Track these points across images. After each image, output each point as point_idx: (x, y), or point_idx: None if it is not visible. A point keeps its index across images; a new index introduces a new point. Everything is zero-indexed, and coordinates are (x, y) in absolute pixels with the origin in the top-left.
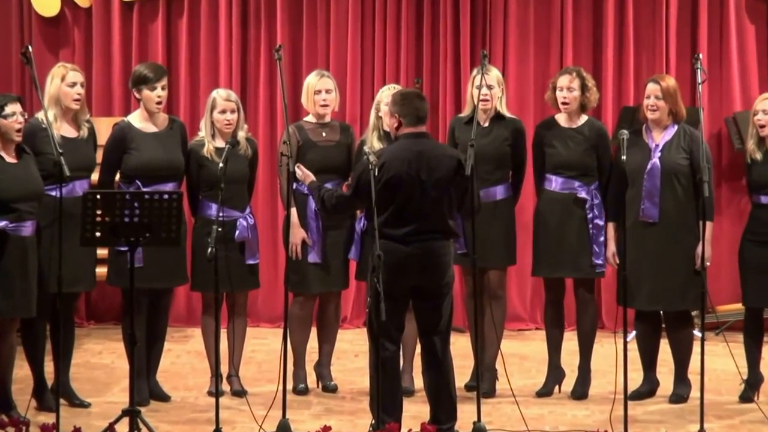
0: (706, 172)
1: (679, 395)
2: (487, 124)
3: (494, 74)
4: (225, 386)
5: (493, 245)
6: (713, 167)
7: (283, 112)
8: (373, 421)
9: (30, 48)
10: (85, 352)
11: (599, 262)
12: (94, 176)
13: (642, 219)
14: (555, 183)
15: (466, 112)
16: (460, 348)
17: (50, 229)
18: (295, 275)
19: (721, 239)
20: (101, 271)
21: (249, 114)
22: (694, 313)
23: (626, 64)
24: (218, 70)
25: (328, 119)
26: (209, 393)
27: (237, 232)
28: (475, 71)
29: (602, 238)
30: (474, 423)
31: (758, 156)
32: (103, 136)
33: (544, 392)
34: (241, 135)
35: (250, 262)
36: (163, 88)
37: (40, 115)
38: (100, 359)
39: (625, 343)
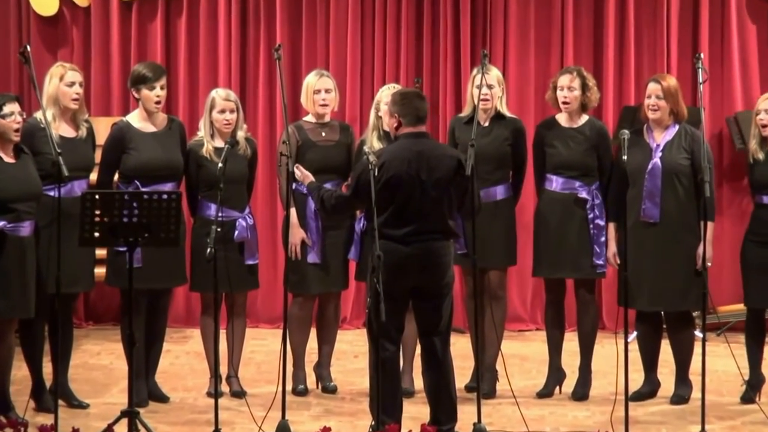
0: (707, 172)
1: (681, 396)
2: (487, 124)
3: (494, 74)
4: (224, 387)
5: (493, 245)
6: (714, 167)
7: (283, 111)
8: (373, 422)
9: (28, 47)
10: (83, 353)
11: (600, 262)
12: (93, 176)
13: (643, 219)
14: (556, 183)
15: (466, 112)
16: (461, 349)
17: (49, 230)
18: (294, 275)
19: (722, 239)
20: (100, 271)
21: (248, 114)
22: (695, 313)
23: (627, 63)
24: (217, 69)
25: (327, 119)
26: (208, 394)
27: (236, 233)
28: (475, 71)
29: (603, 239)
30: (474, 424)
31: (761, 156)
32: (101, 135)
33: (545, 393)
34: (241, 135)
35: (250, 262)
36: (162, 88)
37: (38, 114)
38: (98, 360)
39: (626, 344)
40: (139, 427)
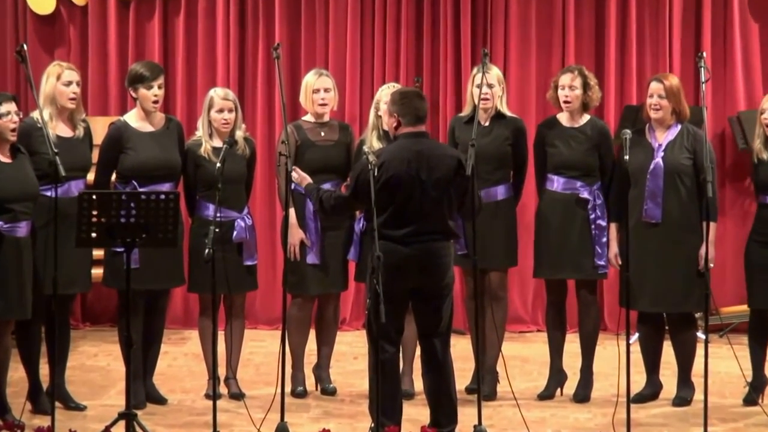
0: (709, 172)
1: (683, 398)
2: (487, 124)
3: (495, 73)
4: (222, 389)
5: (493, 246)
6: (717, 167)
7: (282, 111)
8: (373, 425)
9: (25, 46)
10: (80, 355)
11: (601, 263)
12: (90, 176)
13: (645, 219)
14: (557, 183)
15: (466, 112)
16: (461, 350)
17: (45, 230)
18: (293, 276)
19: (724, 240)
20: (97, 272)
21: (247, 113)
22: (697, 314)
23: (629, 62)
24: (216, 68)
25: (326, 118)
26: (206, 396)
27: (235, 233)
28: (475, 70)
29: (605, 239)
30: (475, 426)
31: (765, 156)
32: (99, 135)
33: (546, 395)
34: (239, 134)
35: (248, 263)
36: (159, 87)
37: (35, 114)
38: (95, 362)
39: (628, 346)
40: (137, 429)
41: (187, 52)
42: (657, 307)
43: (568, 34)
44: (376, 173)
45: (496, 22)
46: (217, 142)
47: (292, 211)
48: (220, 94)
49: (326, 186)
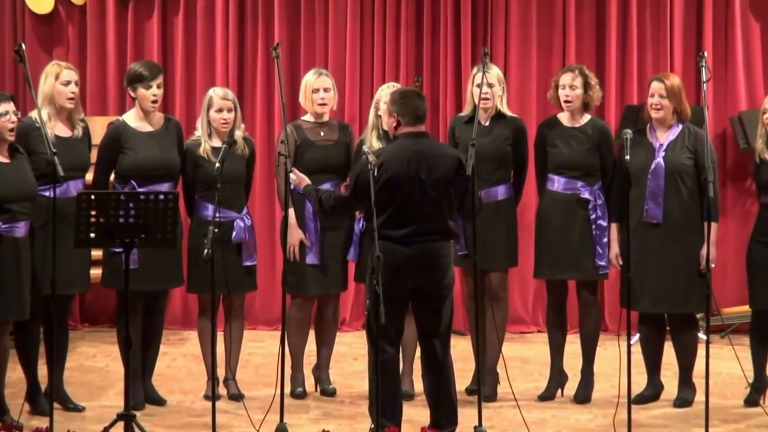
0: (710, 172)
1: (684, 399)
2: (487, 124)
3: (495, 72)
4: (222, 390)
5: (494, 246)
6: (718, 167)
7: (281, 111)
8: (373, 426)
9: (23, 46)
10: (79, 355)
11: (602, 263)
12: (89, 176)
13: (646, 220)
14: (557, 183)
15: (466, 111)
16: (461, 351)
17: (44, 230)
18: (292, 277)
19: (726, 240)
20: (96, 272)
21: (246, 113)
22: (698, 315)
23: (630, 62)
24: (215, 68)
25: (326, 118)
26: (206, 397)
27: (234, 233)
28: (475, 69)
29: (605, 239)
30: (475, 427)
31: (767, 156)
32: (97, 135)
33: (547, 396)
34: (238, 134)
35: (247, 263)
36: (158, 87)
37: (33, 114)
38: (94, 362)
39: (629, 346)
40: (136, 430)
41: (186, 51)
42: (658, 307)
43: (568, 33)
44: (375, 173)
45: (496, 21)
46: (216, 142)
47: (291, 212)
48: (219, 94)
49: (326, 186)
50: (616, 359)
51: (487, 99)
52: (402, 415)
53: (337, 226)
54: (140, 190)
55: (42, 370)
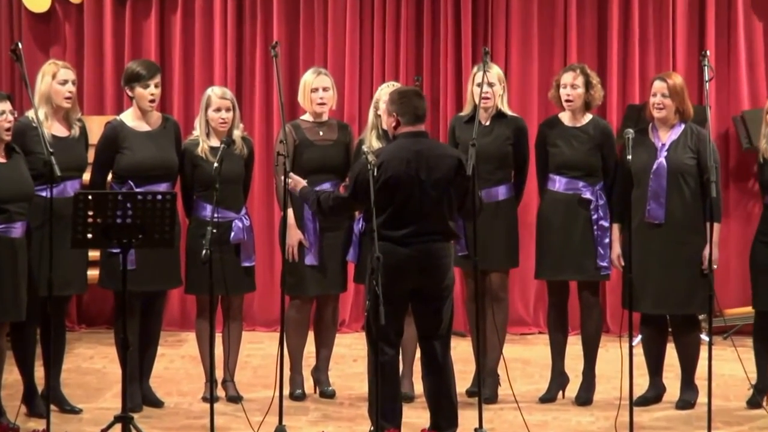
0: (713, 172)
1: (686, 401)
2: (488, 123)
3: (495, 71)
4: (220, 392)
5: (494, 247)
6: (721, 167)
7: (280, 110)
8: (372, 428)
9: (20, 45)
10: (76, 357)
11: (604, 264)
12: (86, 176)
13: (648, 220)
14: (559, 183)
15: (466, 111)
16: (461, 352)
17: (41, 231)
18: (291, 278)
19: (728, 241)
20: (93, 273)
21: (245, 112)
22: (701, 316)
23: (631, 61)
24: (213, 67)
25: (325, 118)
26: (204, 399)
27: (232, 234)
28: (475, 68)
29: (607, 240)
30: (475, 429)
31: None
32: (94, 135)
33: (548, 398)
34: (237, 134)
35: (246, 264)
36: (156, 86)
37: (30, 113)
38: (91, 364)
39: (631, 348)
40: None
41: (184, 50)
42: (660, 308)
43: (570, 32)
44: (375, 173)
45: (497, 20)
46: (215, 142)
47: (290, 212)
48: (217, 93)
49: (325, 186)
50: (618, 361)
51: (488, 98)
52: (402, 417)
53: (337, 227)
54: (138, 190)
55: (39, 372)
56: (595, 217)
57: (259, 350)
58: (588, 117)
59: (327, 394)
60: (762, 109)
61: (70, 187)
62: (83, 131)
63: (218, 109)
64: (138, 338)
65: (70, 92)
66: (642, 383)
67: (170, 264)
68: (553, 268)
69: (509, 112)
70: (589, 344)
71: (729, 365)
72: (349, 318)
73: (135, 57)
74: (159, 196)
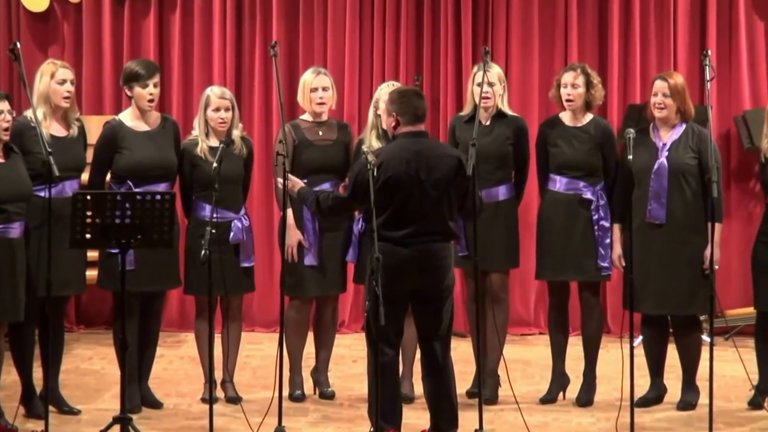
0: (714, 172)
1: (687, 402)
2: (488, 123)
3: (495, 71)
4: (219, 393)
5: (495, 247)
6: (722, 167)
7: (279, 110)
8: (372, 429)
9: (18, 44)
10: (74, 358)
11: (605, 264)
12: (85, 176)
13: (649, 220)
14: (559, 183)
15: (466, 111)
16: (462, 353)
17: (39, 231)
18: (291, 278)
19: (730, 241)
20: (91, 274)
21: (244, 112)
22: (702, 317)
23: (632, 60)
24: (212, 66)
25: (324, 117)
26: (203, 400)
27: (231, 234)
28: (475, 68)
29: (608, 240)
30: (476, 431)
31: None
32: (93, 134)
33: (548, 399)
34: (236, 134)
35: (245, 264)
36: (155, 86)
37: (28, 113)
38: (90, 365)
39: (632, 349)
40: None
41: (183, 49)
42: (661, 309)
43: (570, 31)
44: (375, 173)
45: (497, 19)
46: (214, 142)
47: (289, 212)
48: (216, 93)
49: (325, 186)
50: (619, 362)
51: (488, 98)
52: (402, 419)
53: (336, 227)
54: (137, 190)
55: (37, 373)
56: (595, 217)
57: (259, 351)
58: (589, 117)
59: (326, 395)
60: (763, 109)
61: (69, 187)
62: (82, 131)
63: (217, 109)
64: (137, 339)
65: (68, 92)
66: (643, 384)
67: (169, 264)
68: (554, 268)
69: (509, 112)
70: (590, 345)
71: (730, 366)
72: (348, 318)
73: (134, 56)
74: (158, 197)
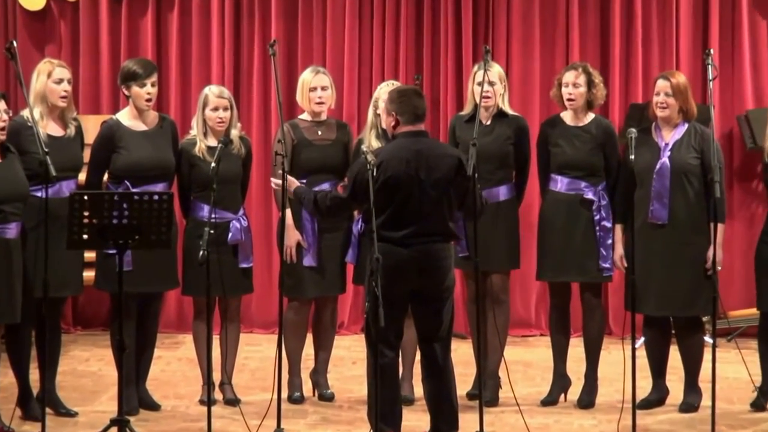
0: (717, 172)
1: (690, 404)
2: (489, 123)
3: (496, 70)
4: (217, 395)
5: (495, 248)
6: (725, 167)
7: (278, 109)
8: (372, 431)
9: (15, 43)
10: (71, 359)
11: (606, 265)
12: (82, 176)
13: (651, 221)
14: (560, 183)
15: (467, 110)
16: (462, 355)
17: (36, 232)
18: (290, 279)
19: (732, 242)
20: (89, 274)
21: (242, 112)
22: (705, 318)
23: (634, 60)
24: (210, 66)
25: (323, 117)
26: (201, 402)
27: (230, 235)
28: (476, 67)
29: (610, 241)
30: None
31: None
32: (90, 134)
33: (549, 401)
34: (234, 133)
35: (244, 265)
36: (152, 85)
37: (25, 112)
38: (87, 366)
39: (634, 350)
40: None
41: (181, 49)
42: (663, 310)
43: (572, 30)
44: (374, 173)
45: (498, 18)
46: (212, 142)
47: (288, 212)
48: (215, 92)
49: (324, 186)
50: (621, 363)
51: (489, 97)
52: (402, 421)
53: (335, 228)
54: (134, 190)
55: (34, 375)
56: (597, 217)
57: (257, 352)
58: (590, 116)
59: (326, 397)
60: (766, 109)
61: (66, 188)
62: (79, 131)
63: (216, 109)
64: (134, 340)
65: (65, 91)
66: (645, 386)
67: (167, 265)
68: (555, 269)
69: (510, 112)
70: (592, 346)
71: (733, 367)
72: (348, 320)
73: (131, 55)
74: (155, 197)
